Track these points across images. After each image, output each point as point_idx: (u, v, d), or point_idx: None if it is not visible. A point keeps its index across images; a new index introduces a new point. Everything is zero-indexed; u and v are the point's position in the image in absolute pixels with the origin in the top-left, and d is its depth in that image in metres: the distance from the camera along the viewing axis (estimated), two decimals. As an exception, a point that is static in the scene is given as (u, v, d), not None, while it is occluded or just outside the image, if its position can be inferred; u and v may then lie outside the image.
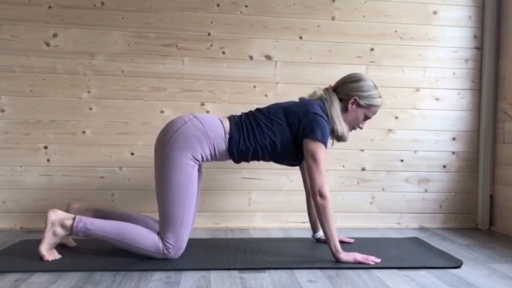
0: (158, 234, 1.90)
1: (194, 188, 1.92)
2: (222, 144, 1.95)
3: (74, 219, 1.87)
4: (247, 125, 1.98)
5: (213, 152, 1.95)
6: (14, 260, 1.87)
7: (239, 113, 2.08)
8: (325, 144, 1.94)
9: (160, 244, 1.88)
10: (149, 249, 1.88)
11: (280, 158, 2.05)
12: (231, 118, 2.02)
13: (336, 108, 2.01)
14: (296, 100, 2.10)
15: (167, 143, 1.91)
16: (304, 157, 1.98)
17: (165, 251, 1.88)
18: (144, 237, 1.88)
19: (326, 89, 2.08)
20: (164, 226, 1.90)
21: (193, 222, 2.00)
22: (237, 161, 2.02)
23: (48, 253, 1.87)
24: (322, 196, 1.88)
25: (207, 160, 1.97)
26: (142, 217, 2.10)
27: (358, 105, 2.03)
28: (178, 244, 1.89)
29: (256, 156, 2.00)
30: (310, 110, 1.96)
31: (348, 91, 2.03)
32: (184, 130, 1.91)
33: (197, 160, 1.92)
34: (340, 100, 2.04)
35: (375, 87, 2.06)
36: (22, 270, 1.75)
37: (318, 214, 1.91)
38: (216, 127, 1.95)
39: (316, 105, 1.99)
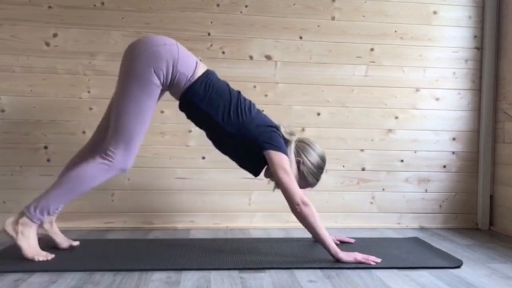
0: (95, 156, 1.89)
1: (152, 107, 1.92)
2: (182, 83, 1.94)
3: (23, 212, 1.86)
4: (217, 92, 1.96)
5: (171, 81, 1.93)
6: (14, 260, 1.86)
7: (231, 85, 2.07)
8: (286, 154, 1.96)
9: (100, 162, 1.87)
10: (98, 175, 1.87)
11: (212, 136, 2.05)
12: (209, 72, 2.00)
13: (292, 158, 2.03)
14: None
15: (138, 55, 1.89)
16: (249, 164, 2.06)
17: (107, 162, 1.87)
18: (86, 171, 1.87)
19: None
20: (112, 137, 1.89)
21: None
22: (181, 107, 2.01)
23: (37, 254, 1.86)
24: (305, 203, 1.88)
25: (163, 84, 1.93)
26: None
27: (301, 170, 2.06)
28: (125, 155, 1.88)
29: (198, 120, 2.02)
30: (271, 128, 2.00)
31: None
32: (159, 50, 1.90)
33: (158, 77, 1.89)
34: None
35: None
36: (22, 270, 1.75)
37: (306, 223, 1.89)
38: (188, 66, 1.95)
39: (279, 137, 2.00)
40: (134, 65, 1.89)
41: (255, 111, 2.03)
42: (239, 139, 1.97)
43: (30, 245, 1.86)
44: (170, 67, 1.91)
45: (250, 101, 2.06)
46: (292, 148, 2.02)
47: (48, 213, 1.88)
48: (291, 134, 2.07)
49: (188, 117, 2.06)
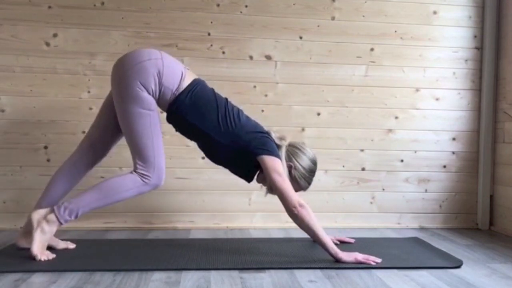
0: (132, 171, 1.94)
1: (156, 118, 1.94)
2: (167, 96, 1.96)
3: (53, 210, 1.88)
4: (203, 102, 1.97)
5: (158, 95, 1.95)
6: (14, 260, 1.86)
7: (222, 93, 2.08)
8: (279, 158, 1.97)
9: (137, 176, 1.92)
10: (133, 188, 1.92)
11: (203, 146, 2.07)
12: (195, 83, 2.00)
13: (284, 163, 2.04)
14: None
15: (125, 72, 1.91)
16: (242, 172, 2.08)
17: (146, 180, 1.92)
18: (122, 181, 1.91)
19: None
20: (135, 158, 1.93)
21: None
22: (168, 120, 2.03)
23: (41, 253, 1.86)
24: (302, 205, 1.88)
25: (154, 97, 1.95)
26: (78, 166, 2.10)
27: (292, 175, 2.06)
28: (157, 171, 1.94)
29: (186, 132, 2.04)
30: (263, 134, 2.02)
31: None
32: (145, 65, 1.91)
33: (147, 91, 1.91)
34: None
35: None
36: (22, 270, 1.75)
37: (304, 224, 1.89)
38: (173, 79, 1.95)
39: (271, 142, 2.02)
40: (123, 85, 1.91)
41: (243, 118, 2.03)
42: (230, 147, 1.98)
43: (41, 242, 1.87)
44: (157, 80, 1.92)
45: (238, 108, 2.06)
46: (283, 153, 2.02)
47: (76, 217, 1.90)
48: (282, 139, 2.07)
49: (177, 129, 2.06)
